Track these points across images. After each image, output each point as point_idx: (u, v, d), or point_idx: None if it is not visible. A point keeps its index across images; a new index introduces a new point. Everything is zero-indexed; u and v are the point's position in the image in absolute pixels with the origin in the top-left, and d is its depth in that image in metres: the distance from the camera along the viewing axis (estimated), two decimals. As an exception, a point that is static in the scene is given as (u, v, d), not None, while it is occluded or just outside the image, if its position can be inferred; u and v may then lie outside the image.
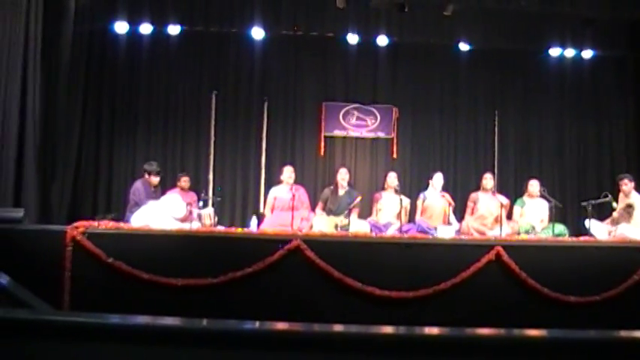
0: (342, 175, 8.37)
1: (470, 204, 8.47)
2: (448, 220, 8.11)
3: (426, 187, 8.67)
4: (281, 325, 2.86)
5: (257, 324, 2.87)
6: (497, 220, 7.88)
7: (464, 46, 9.87)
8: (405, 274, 6.32)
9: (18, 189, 7.53)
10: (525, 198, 8.49)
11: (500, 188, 9.54)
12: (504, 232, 7.41)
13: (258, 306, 6.10)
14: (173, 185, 8.81)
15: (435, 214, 8.31)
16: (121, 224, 6.80)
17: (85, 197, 9.42)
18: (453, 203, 8.35)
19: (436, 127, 10.29)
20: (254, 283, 6.16)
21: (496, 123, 10.28)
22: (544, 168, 10.24)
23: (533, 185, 8.44)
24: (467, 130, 10.32)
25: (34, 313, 4.04)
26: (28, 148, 7.68)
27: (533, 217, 8.26)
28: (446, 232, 7.13)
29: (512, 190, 9.79)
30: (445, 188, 8.67)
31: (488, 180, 8.44)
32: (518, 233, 7.85)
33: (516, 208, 8.44)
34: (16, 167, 7.53)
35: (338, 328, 2.96)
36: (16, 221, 6.37)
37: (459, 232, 7.87)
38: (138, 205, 7.61)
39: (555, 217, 7.80)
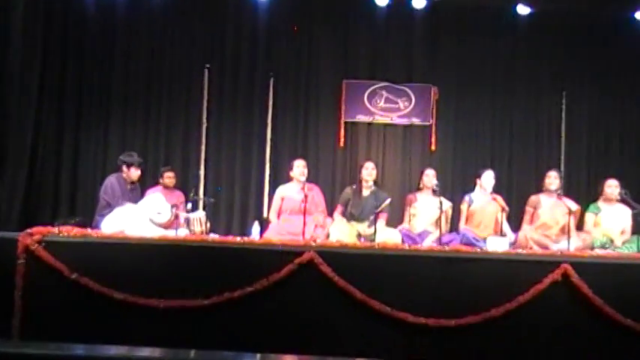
0: (368, 172, 8.33)
1: (529, 210, 8.39)
2: (501, 229, 8.04)
3: (472, 187, 8.60)
4: (289, 359, 2.81)
5: (259, 357, 2.83)
6: (564, 231, 7.79)
7: (523, 9, 9.80)
8: (447, 297, 6.30)
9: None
10: (601, 203, 8.39)
11: (569, 190, 9.45)
12: (573, 245, 7.34)
13: (260, 334, 6.09)
14: (155, 183, 8.80)
15: (484, 222, 8.26)
16: (89, 230, 6.80)
17: (43, 197, 9.42)
18: (507, 208, 8.28)
19: (487, 113, 10.22)
20: (255, 305, 6.14)
21: (563, 107, 10.19)
22: (625, 165, 10.13)
23: (612, 187, 8.34)
24: (526, 116, 10.23)
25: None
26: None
27: (611, 228, 8.16)
28: (498, 245, 7.07)
29: (583, 192, 9.71)
30: (497, 189, 8.61)
31: (553, 180, 8.35)
32: (592, 247, 7.78)
33: (589, 216, 8.34)
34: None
35: (360, 362, 2.91)
36: (-49, 227, 6.38)
37: (514, 244, 7.81)
38: (110, 206, 7.61)
39: (640, 227, 7.74)
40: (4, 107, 8.65)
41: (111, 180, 7.93)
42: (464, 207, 8.44)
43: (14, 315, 6.03)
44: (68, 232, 6.45)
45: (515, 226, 8.45)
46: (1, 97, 8.61)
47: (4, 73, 8.67)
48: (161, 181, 8.62)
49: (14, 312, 6.03)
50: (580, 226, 8.33)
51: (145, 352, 2.92)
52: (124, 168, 8.00)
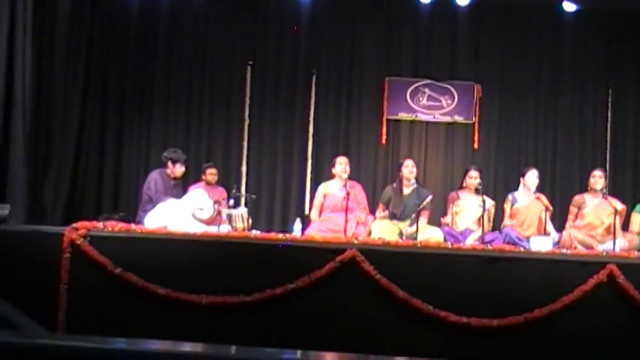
0: (409, 169, 8.28)
1: (573, 209, 8.29)
2: (545, 228, 7.94)
3: (516, 186, 8.51)
4: (330, 357, 2.80)
5: (299, 354, 2.81)
6: (610, 231, 7.69)
7: (569, 6, 9.69)
8: (489, 297, 6.29)
9: (2, 182, 7.68)
10: (647, 203, 8.27)
11: (614, 190, 9.35)
12: (619, 246, 7.25)
13: (301, 331, 6.12)
14: (197, 179, 8.86)
15: (528, 221, 8.17)
16: (132, 226, 6.88)
17: (87, 193, 9.55)
18: (551, 208, 8.18)
19: (530, 110, 10.11)
20: (297, 302, 6.18)
21: (609, 105, 10.05)
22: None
23: (658, 186, 8.22)
24: (571, 114, 10.11)
25: (22, 336, 4.06)
26: (15, 132, 7.84)
27: (657, 228, 8.05)
28: (542, 244, 7.01)
29: (629, 192, 9.60)
30: (541, 188, 8.52)
31: (598, 179, 8.23)
32: (639, 249, 7.63)
33: (636, 216, 8.22)
34: (0, 157, 7.66)
35: (401, 361, 2.88)
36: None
37: (558, 244, 7.72)
38: (153, 202, 7.66)
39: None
40: (49, 105, 8.78)
41: (154, 176, 7.97)
42: (507, 206, 8.36)
43: (59, 308, 6.11)
44: (112, 227, 6.53)
45: (559, 225, 8.35)
46: (46, 96, 8.74)
47: (50, 72, 8.79)
48: (203, 177, 8.66)
49: (59, 305, 6.12)
50: (626, 227, 8.21)
51: (187, 347, 2.92)
52: (169, 164, 8.04)
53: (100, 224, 6.58)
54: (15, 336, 3.53)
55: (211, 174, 8.67)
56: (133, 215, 8.12)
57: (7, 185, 7.75)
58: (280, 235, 6.86)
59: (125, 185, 9.72)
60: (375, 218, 8.10)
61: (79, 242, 6.21)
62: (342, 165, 8.30)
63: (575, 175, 9.79)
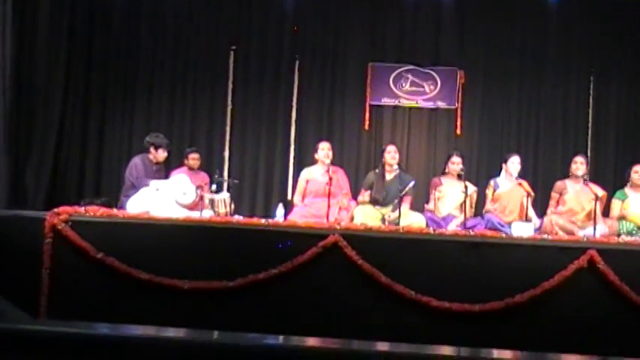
0: (392, 155, 8.29)
1: (555, 195, 8.32)
2: (526, 214, 7.98)
3: (498, 172, 8.54)
4: (312, 341, 2.81)
5: (282, 339, 2.82)
6: (590, 217, 7.72)
7: (553, -8, 9.68)
8: (470, 282, 6.29)
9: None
10: (628, 190, 8.30)
11: (595, 176, 9.35)
12: (599, 231, 7.26)
13: (284, 316, 6.11)
14: (179, 164, 8.83)
15: (510, 207, 8.20)
16: (114, 211, 6.85)
17: (69, 178, 9.51)
18: (532, 193, 8.19)
19: (513, 97, 10.11)
20: (280, 287, 6.18)
21: (591, 92, 10.04)
22: (654, 151, 10.01)
23: (639, 173, 8.25)
24: (554, 100, 10.10)
25: (4, 321, 4.06)
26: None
27: (638, 214, 8.08)
28: (523, 230, 7.03)
29: (610, 178, 9.60)
30: (523, 174, 8.52)
31: (580, 165, 8.26)
32: (619, 234, 7.68)
33: (616, 202, 8.26)
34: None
35: (383, 346, 2.90)
36: (-20, 205, 6.45)
37: (539, 230, 7.75)
38: (135, 187, 7.64)
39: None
40: (30, 90, 8.71)
41: (136, 161, 7.96)
42: (489, 191, 8.38)
43: (41, 294, 6.10)
44: (94, 212, 6.51)
45: (541, 211, 8.38)
46: (28, 81, 8.67)
47: (32, 60, 8.73)
48: (186, 162, 8.63)
49: (41, 291, 6.10)
50: (606, 213, 8.25)
51: (170, 332, 2.92)
52: (152, 149, 8.03)
53: (82, 209, 6.56)
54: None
55: (194, 159, 8.64)
56: (115, 200, 8.09)
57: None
58: (263, 221, 6.85)
59: (107, 171, 9.69)
60: (357, 203, 8.11)
61: (60, 227, 6.19)
62: (324, 150, 8.30)
63: (556, 161, 9.80)
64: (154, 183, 7.52)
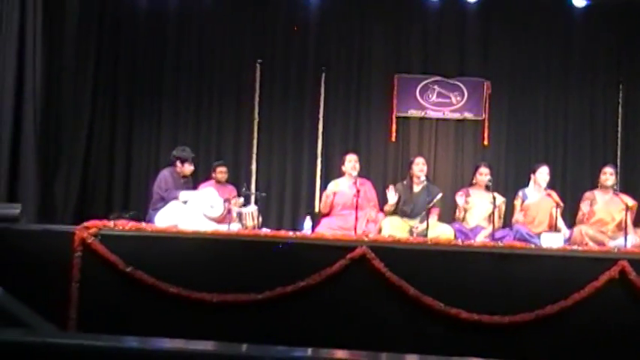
0: (420, 167, 8.27)
1: (584, 206, 8.25)
2: (555, 225, 7.92)
3: (526, 183, 8.49)
4: (340, 354, 2.80)
5: (310, 351, 2.81)
6: (621, 227, 7.67)
7: (579, 1, 9.62)
8: (500, 294, 6.27)
9: (13, 181, 7.76)
10: (658, 199, 8.24)
11: (625, 186, 9.31)
12: (630, 242, 7.22)
13: (312, 329, 6.11)
14: (207, 177, 8.85)
15: (539, 218, 8.16)
16: (143, 224, 6.89)
17: (97, 191, 9.56)
18: (561, 204, 8.16)
19: (540, 107, 10.05)
20: (307, 300, 6.18)
21: (620, 101, 9.97)
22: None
23: (670, 182, 8.19)
24: (581, 110, 10.05)
25: (33, 334, 4.07)
26: (26, 131, 7.88)
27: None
28: (552, 241, 7.00)
29: (640, 188, 9.50)
30: (551, 185, 8.49)
31: (609, 175, 8.21)
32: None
33: (646, 212, 8.19)
34: (10, 155, 7.76)
35: (412, 358, 2.88)
36: (11, 220, 6.51)
37: (569, 241, 7.70)
38: (164, 200, 7.67)
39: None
40: (59, 105, 8.81)
41: (164, 174, 7.99)
42: (517, 202, 8.34)
43: (71, 307, 6.14)
44: (123, 225, 6.54)
45: (570, 222, 8.32)
46: (57, 95, 8.76)
47: (60, 72, 8.82)
48: (213, 175, 8.66)
49: (71, 304, 6.14)
50: (637, 223, 8.18)
51: (198, 345, 2.92)
52: (178, 163, 8.05)
53: (111, 223, 6.59)
54: (27, 335, 3.54)
55: (221, 172, 8.68)
56: (143, 214, 8.13)
57: (18, 185, 7.80)
58: (290, 233, 6.85)
59: (135, 184, 9.73)
60: (384, 215, 8.09)
61: (90, 241, 6.23)
62: (351, 162, 8.30)
63: (585, 171, 9.72)
64: (184, 194, 7.55)
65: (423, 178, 8.23)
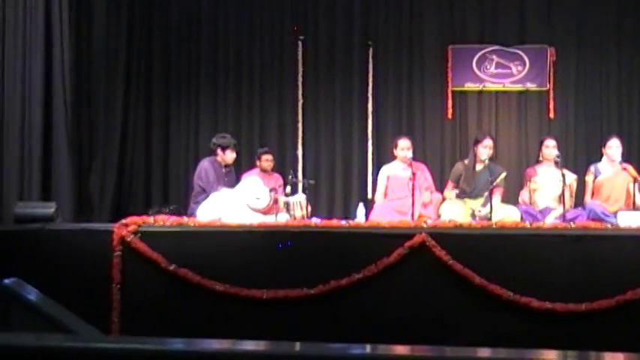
0: (487, 151, 8.05)
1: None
2: (634, 202, 7.81)
3: (599, 157, 8.37)
4: (401, 349, 2.79)
5: (368, 348, 2.81)
6: None
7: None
8: (575, 279, 6.22)
9: (46, 178, 7.88)
10: None
11: None
12: None
13: (370, 323, 6.13)
14: (251, 166, 8.89)
15: (614, 195, 8.06)
16: (185, 219, 6.94)
17: (135, 185, 9.69)
18: (639, 178, 8.01)
19: (611, 73, 9.89)
20: (364, 293, 6.18)
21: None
22: None
23: None
24: (657, 74, 9.87)
25: (76, 339, 4.14)
26: (58, 126, 8.02)
27: None
28: (631, 220, 6.90)
29: None
30: (626, 158, 8.36)
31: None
32: None
33: None
34: (43, 151, 7.86)
35: (482, 352, 2.86)
36: (45, 219, 6.63)
37: (650, 218, 7.57)
38: (205, 192, 7.72)
39: None
40: (91, 95, 8.93)
41: (204, 164, 8.02)
42: (589, 179, 8.23)
43: (113, 309, 6.23)
44: (164, 221, 6.61)
45: (649, 197, 8.19)
46: (87, 86, 8.89)
47: (90, 60, 8.93)
48: (258, 163, 8.66)
49: (112, 306, 6.23)
50: None
51: (249, 345, 2.94)
52: (219, 151, 8.07)
53: (151, 219, 6.67)
54: (70, 340, 3.61)
55: (267, 160, 8.64)
56: (184, 207, 8.20)
57: (52, 182, 7.93)
58: (343, 222, 6.86)
59: (174, 176, 9.82)
60: (442, 196, 8.06)
61: (129, 239, 6.31)
62: (404, 150, 8.18)
63: (665, 142, 9.58)
64: (226, 192, 7.57)
65: (485, 158, 8.10)
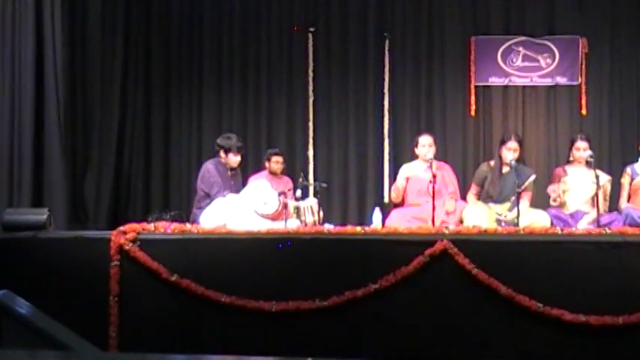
0: (511, 153, 8.02)
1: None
2: (675, 205, 7.81)
3: (635, 157, 8.36)
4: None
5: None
6: None
7: None
8: (610, 290, 6.17)
9: (38, 182, 7.90)
10: None
11: None
12: None
13: (387, 338, 6.12)
14: (258, 168, 8.90)
15: (653, 198, 8.02)
16: (187, 226, 6.95)
17: (133, 190, 9.74)
18: (679, 180, 8.02)
19: (649, 66, 9.89)
20: (382, 304, 6.17)
21: None
22: None
23: None
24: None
25: (70, 356, 4.16)
26: (50, 128, 8.03)
27: None
28: (672, 224, 6.88)
29: None
30: (665, 157, 8.35)
31: None
32: None
33: None
34: (34, 153, 7.88)
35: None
36: (37, 227, 6.64)
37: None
38: (209, 197, 7.73)
39: None
40: (85, 95, 8.95)
41: (208, 167, 8.04)
42: (625, 181, 8.22)
43: (110, 323, 6.24)
44: (165, 228, 6.60)
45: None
46: (82, 84, 8.91)
47: (85, 58, 8.95)
48: (267, 165, 8.67)
49: (110, 320, 6.24)
50: None
51: (257, 361, 2.95)
52: (222, 153, 8.08)
53: (151, 226, 6.67)
54: (64, 357, 3.62)
55: (277, 162, 8.65)
56: (186, 213, 8.22)
57: (43, 186, 7.94)
58: (358, 228, 6.85)
59: (175, 179, 9.87)
60: (467, 203, 8.07)
61: (128, 247, 6.31)
62: (425, 147, 8.23)
63: None
64: (231, 197, 7.58)
65: (513, 163, 8.03)
